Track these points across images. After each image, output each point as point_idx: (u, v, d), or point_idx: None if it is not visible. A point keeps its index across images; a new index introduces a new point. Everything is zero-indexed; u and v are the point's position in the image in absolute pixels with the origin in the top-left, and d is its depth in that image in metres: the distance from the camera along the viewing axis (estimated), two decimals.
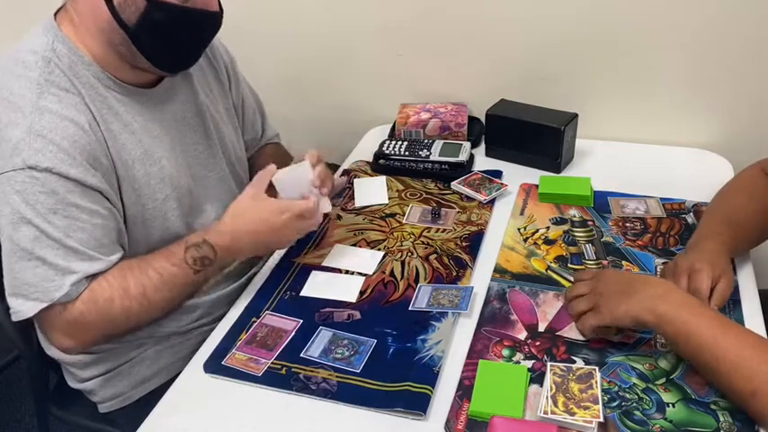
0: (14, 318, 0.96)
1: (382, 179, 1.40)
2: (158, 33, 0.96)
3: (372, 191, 1.36)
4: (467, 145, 1.42)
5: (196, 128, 1.14)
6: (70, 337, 0.98)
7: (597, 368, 0.87)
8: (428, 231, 1.23)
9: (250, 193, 1.06)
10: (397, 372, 0.92)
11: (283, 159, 1.40)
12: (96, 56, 0.99)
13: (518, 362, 0.93)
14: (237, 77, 1.29)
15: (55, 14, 1.01)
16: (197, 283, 1.05)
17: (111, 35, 0.96)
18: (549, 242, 1.17)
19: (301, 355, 0.96)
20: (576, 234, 1.19)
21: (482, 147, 1.49)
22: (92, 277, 0.97)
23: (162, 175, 1.05)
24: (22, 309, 0.95)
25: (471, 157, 1.44)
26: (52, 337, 1.00)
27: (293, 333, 1.01)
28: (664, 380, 0.88)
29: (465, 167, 1.39)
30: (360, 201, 1.34)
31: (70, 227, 0.93)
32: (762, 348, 0.80)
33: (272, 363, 0.96)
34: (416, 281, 1.10)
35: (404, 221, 1.26)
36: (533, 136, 1.38)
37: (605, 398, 0.86)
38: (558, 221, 1.23)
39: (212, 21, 1.02)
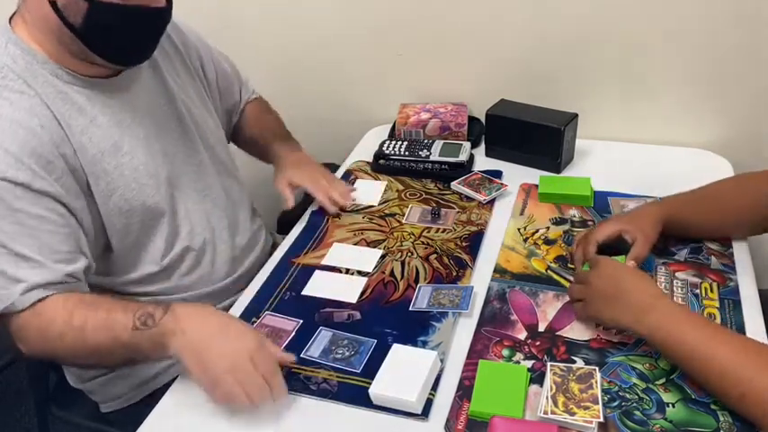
0: None
1: (382, 183, 1.40)
2: (105, 32, 0.95)
3: (368, 192, 1.36)
4: (467, 145, 1.42)
5: (169, 115, 1.13)
6: (19, 343, 0.95)
7: (597, 368, 0.87)
8: (428, 231, 1.23)
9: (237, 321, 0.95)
10: None
11: (267, 117, 1.42)
12: (51, 54, 0.98)
13: (518, 362, 0.93)
14: (209, 51, 1.27)
15: (10, 18, 1.00)
16: (130, 347, 0.91)
17: (61, 35, 0.95)
18: (549, 242, 1.17)
19: (301, 355, 0.96)
20: (577, 234, 1.18)
21: (482, 147, 1.49)
22: (46, 293, 0.92)
23: (135, 164, 1.04)
24: None
25: (471, 157, 1.44)
26: (12, 339, 0.95)
27: (293, 333, 1.01)
28: (664, 380, 0.88)
29: (465, 167, 1.39)
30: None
31: (18, 233, 0.91)
32: (749, 352, 0.81)
33: None
34: (416, 281, 1.10)
35: (404, 221, 1.26)
36: (533, 136, 1.38)
37: (605, 398, 0.86)
38: (558, 221, 1.23)
39: (159, 16, 1.01)
